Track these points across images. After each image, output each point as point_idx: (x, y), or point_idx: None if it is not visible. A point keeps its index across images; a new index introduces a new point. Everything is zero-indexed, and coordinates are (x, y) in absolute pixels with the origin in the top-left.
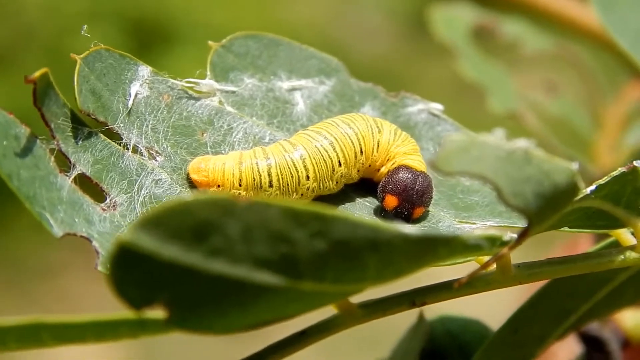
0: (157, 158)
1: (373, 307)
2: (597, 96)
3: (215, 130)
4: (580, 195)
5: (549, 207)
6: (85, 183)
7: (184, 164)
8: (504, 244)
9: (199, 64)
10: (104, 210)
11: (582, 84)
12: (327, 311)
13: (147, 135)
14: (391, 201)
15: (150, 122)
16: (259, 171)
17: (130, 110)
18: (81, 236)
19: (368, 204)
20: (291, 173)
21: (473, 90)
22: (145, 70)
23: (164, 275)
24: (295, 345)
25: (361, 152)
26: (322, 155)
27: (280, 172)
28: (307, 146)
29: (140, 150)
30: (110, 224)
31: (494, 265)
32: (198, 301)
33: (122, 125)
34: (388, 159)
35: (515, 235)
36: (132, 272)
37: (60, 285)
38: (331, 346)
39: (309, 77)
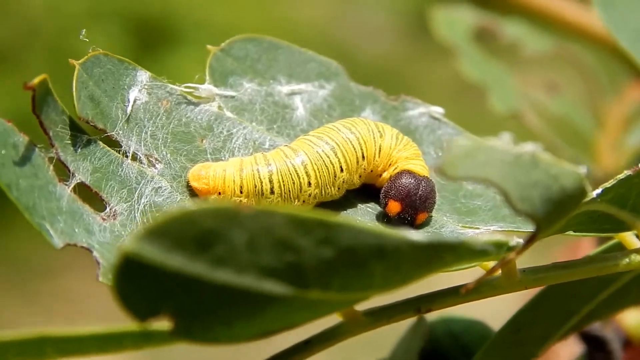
0: (157, 165)
1: (378, 315)
2: (598, 96)
3: (215, 136)
4: (587, 199)
5: (556, 212)
6: (84, 192)
7: (184, 172)
8: (510, 249)
9: (202, 64)
10: (104, 219)
11: (583, 84)
12: (332, 319)
13: (147, 142)
14: (394, 207)
15: (150, 128)
16: (260, 178)
17: (129, 116)
18: (81, 247)
19: (370, 210)
20: (293, 179)
21: (475, 89)
22: (143, 75)
23: (168, 286)
24: (300, 354)
25: (363, 157)
26: (323, 161)
27: (282, 178)
28: (308, 152)
29: (140, 157)
30: (111, 233)
31: (499, 271)
32: (203, 311)
33: (121, 132)
34: (390, 164)
35: (521, 240)
36: (137, 283)
37: (61, 285)
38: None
39: (308, 81)
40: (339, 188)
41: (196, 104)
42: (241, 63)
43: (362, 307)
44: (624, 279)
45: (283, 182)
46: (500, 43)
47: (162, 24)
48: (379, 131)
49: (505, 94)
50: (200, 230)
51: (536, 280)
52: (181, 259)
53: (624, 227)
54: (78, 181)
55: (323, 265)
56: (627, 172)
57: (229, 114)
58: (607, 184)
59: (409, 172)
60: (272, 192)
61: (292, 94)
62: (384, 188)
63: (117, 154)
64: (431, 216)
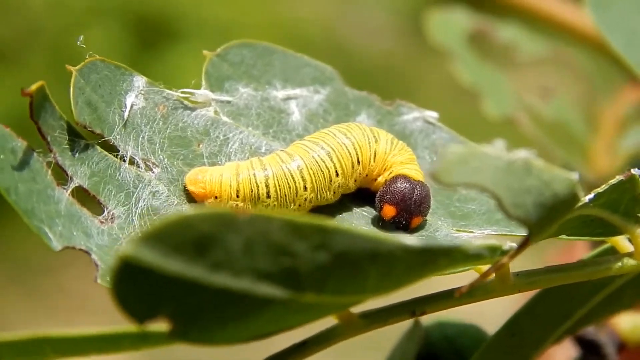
0: (154, 170)
1: (373, 317)
2: (592, 99)
3: (212, 140)
4: (579, 204)
5: (549, 217)
6: (82, 196)
7: (181, 176)
8: (503, 253)
9: (204, 60)
10: (102, 222)
11: (577, 87)
12: (328, 321)
13: (144, 146)
14: (389, 211)
15: (147, 133)
16: (256, 182)
17: (126, 121)
18: (80, 249)
19: (365, 214)
20: (289, 184)
21: (475, 89)
22: (140, 80)
23: (166, 289)
24: (295, 355)
25: (358, 162)
26: (319, 166)
27: (278, 183)
28: (304, 157)
29: (137, 162)
30: (109, 236)
31: (493, 274)
32: (200, 314)
33: (118, 137)
34: (385, 169)
35: (514, 245)
36: (135, 286)
37: (63, 282)
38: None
39: (303, 85)
40: (334, 192)
41: (193, 109)
42: (237, 68)
43: (357, 309)
44: (617, 282)
45: (279, 186)
46: (495, 45)
47: (163, 21)
48: (374, 136)
49: (499, 99)
50: (198, 234)
51: (529, 284)
52: (179, 263)
53: (616, 231)
54: (76, 185)
55: (318, 270)
56: (619, 177)
57: (225, 118)
58: (600, 189)
59: (404, 177)
60: (268, 196)
61: (288, 98)
62: (379, 192)
63: (114, 159)
64: (426, 220)
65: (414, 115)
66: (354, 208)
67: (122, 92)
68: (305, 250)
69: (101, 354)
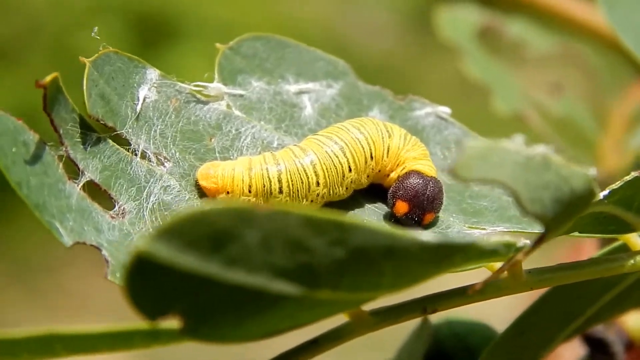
0: (166, 164)
1: (384, 315)
2: (601, 96)
3: (224, 135)
4: (595, 201)
5: (566, 213)
6: (93, 190)
7: (193, 170)
8: (518, 250)
9: (205, 59)
10: (113, 218)
11: (586, 84)
12: (339, 319)
13: (156, 140)
14: (402, 207)
15: (159, 127)
16: (269, 177)
17: (138, 115)
18: (91, 245)
19: (377, 210)
20: (301, 179)
21: (478, 87)
22: (153, 73)
23: (180, 286)
24: (306, 353)
25: (371, 157)
26: (332, 161)
27: (291, 178)
28: (317, 151)
29: (149, 156)
30: (120, 232)
31: (505, 272)
32: (213, 311)
33: (130, 130)
34: (398, 164)
35: (528, 242)
36: (148, 282)
37: (65, 280)
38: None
39: (316, 80)
40: (347, 188)
41: (205, 103)
42: (250, 61)
43: (368, 307)
44: (627, 281)
45: (292, 181)
46: (504, 42)
47: (164, 20)
48: (388, 131)
49: (508, 95)
50: (215, 230)
51: (542, 281)
52: (194, 259)
53: (629, 228)
54: (87, 179)
55: (334, 266)
56: (634, 174)
57: (237, 112)
58: (614, 186)
59: (417, 173)
60: (280, 191)
61: (300, 92)
62: (391, 188)
63: (126, 152)
64: (438, 217)
65: (426, 111)
66: (366, 204)
67: (135, 85)
68: (321, 245)
69: (112, 351)
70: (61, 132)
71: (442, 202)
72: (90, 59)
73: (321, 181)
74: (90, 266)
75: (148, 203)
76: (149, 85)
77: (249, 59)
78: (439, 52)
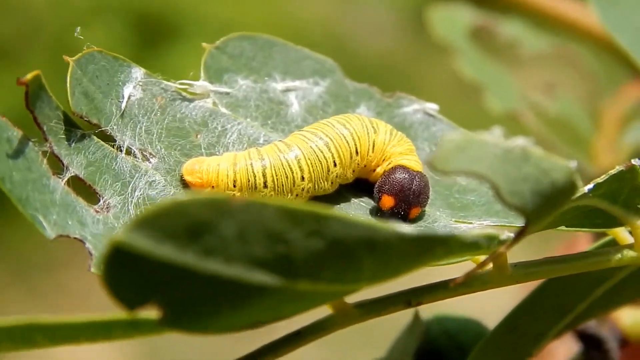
0: (151, 160)
1: (368, 307)
2: (596, 96)
3: (210, 131)
4: (578, 194)
5: (546, 206)
6: (78, 185)
7: (178, 166)
8: (501, 242)
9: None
10: (97, 212)
11: (581, 83)
12: (323, 311)
13: (141, 137)
14: (387, 201)
15: (144, 124)
16: (253, 172)
17: (123, 112)
18: (74, 238)
19: (364, 204)
20: (286, 174)
21: (478, 86)
22: (138, 72)
23: (158, 276)
24: (289, 345)
25: (357, 152)
26: (317, 156)
27: (275, 173)
28: (302, 147)
29: (134, 152)
30: (104, 225)
31: (491, 265)
32: (192, 301)
33: (115, 127)
34: (384, 159)
35: (512, 235)
36: (126, 272)
37: (64, 279)
38: (333, 342)
39: (303, 78)
40: (332, 182)
41: (191, 100)
42: (236, 60)
43: (352, 299)
44: (618, 276)
45: (276, 176)
46: (498, 42)
47: (165, 19)
48: (373, 127)
49: (503, 95)
50: (191, 220)
51: (527, 275)
52: (171, 249)
53: (616, 222)
54: (72, 174)
55: (312, 257)
56: (619, 168)
57: (223, 110)
58: (599, 179)
59: (403, 167)
60: (265, 186)
61: (287, 90)
62: (377, 183)
63: (111, 149)
64: (424, 211)
65: (414, 108)
66: (352, 198)
67: (120, 83)
68: (299, 237)
69: (93, 341)
70: (45, 128)
71: (428, 197)
72: (73, 58)
73: (306, 176)
74: None
75: (133, 197)
76: (134, 84)
77: (236, 58)
78: (439, 51)
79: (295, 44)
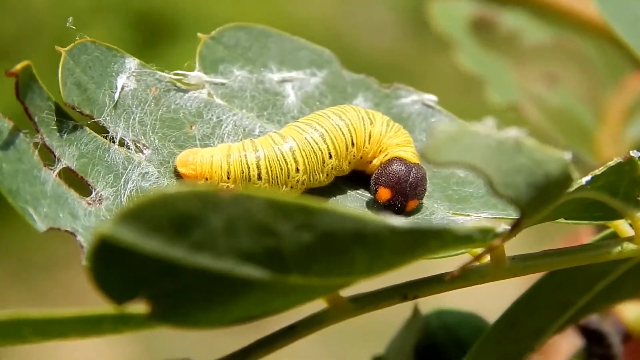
0: (144, 151)
1: (364, 301)
2: (598, 88)
3: (204, 122)
4: (576, 186)
5: (541, 198)
6: (70, 177)
7: (172, 157)
8: (496, 235)
9: None
10: (89, 204)
11: (582, 75)
12: (318, 305)
13: (134, 128)
14: (384, 194)
15: (138, 115)
16: (247, 164)
17: (116, 103)
18: (65, 231)
19: (360, 197)
20: (280, 165)
21: (478, 85)
22: (132, 62)
23: (145, 269)
24: (284, 339)
25: (352, 144)
26: (312, 147)
27: (269, 164)
28: (296, 138)
29: (127, 143)
30: (96, 218)
31: (488, 258)
32: (181, 295)
33: (108, 118)
34: (380, 151)
35: (508, 227)
36: (113, 266)
37: (65, 279)
38: (330, 338)
39: (300, 68)
40: (327, 174)
41: (185, 91)
42: (232, 51)
43: (347, 293)
44: (620, 270)
45: (270, 168)
46: (499, 33)
47: (165, 19)
48: (369, 118)
49: (503, 87)
50: (177, 213)
51: (525, 268)
52: (157, 242)
53: (616, 215)
54: (64, 166)
55: (302, 250)
56: (617, 159)
57: (218, 100)
58: (597, 171)
59: (400, 159)
60: (259, 178)
61: (284, 81)
62: (374, 175)
63: (104, 140)
64: (422, 203)
65: (412, 99)
66: (348, 191)
67: (113, 74)
68: (288, 230)
69: (81, 336)
70: (36, 119)
71: (425, 189)
72: (66, 48)
73: (301, 168)
74: None
75: (126, 190)
76: (128, 74)
77: (231, 48)
78: (439, 51)
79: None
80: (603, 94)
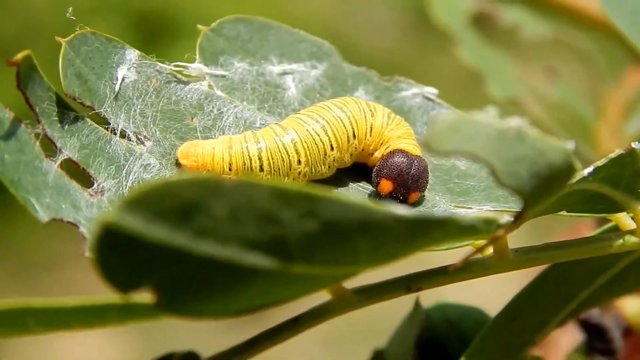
0: (146, 143)
1: (367, 293)
2: (598, 82)
3: (205, 114)
4: (577, 178)
5: (544, 188)
6: (72, 168)
7: (173, 149)
8: (500, 226)
9: None
10: (91, 195)
11: (583, 70)
12: (321, 297)
13: (135, 119)
14: (386, 186)
15: (139, 106)
16: (249, 155)
17: (117, 94)
18: (68, 222)
19: (362, 189)
20: (282, 157)
21: (479, 83)
22: (132, 54)
23: (150, 257)
24: (288, 332)
25: (354, 135)
26: (313, 139)
27: (271, 156)
28: (298, 130)
29: (128, 135)
30: (98, 209)
31: (491, 250)
32: (186, 284)
33: (109, 109)
34: (382, 143)
35: (511, 218)
36: (117, 254)
37: (66, 277)
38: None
39: (300, 61)
40: (329, 166)
41: (186, 83)
42: (232, 43)
43: (351, 284)
44: (622, 263)
45: (272, 159)
46: (499, 28)
47: (165, 18)
48: (371, 110)
49: (503, 82)
50: (181, 201)
51: (528, 261)
52: (162, 230)
53: (618, 207)
54: (65, 157)
55: (306, 239)
56: (619, 151)
57: (219, 93)
58: (599, 163)
59: (402, 151)
60: (261, 169)
61: (284, 73)
62: (376, 167)
63: (105, 131)
64: (424, 196)
65: (413, 92)
66: (350, 183)
67: (114, 65)
68: (292, 218)
69: (86, 327)
70: (37, 110)
71: (427, 181)
72: (66, 39)
73: (302, 159)
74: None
75: (127, 181)
76: (128, 66)
77: (231, 40)
78: (439, 50)
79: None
80: (603, 88)
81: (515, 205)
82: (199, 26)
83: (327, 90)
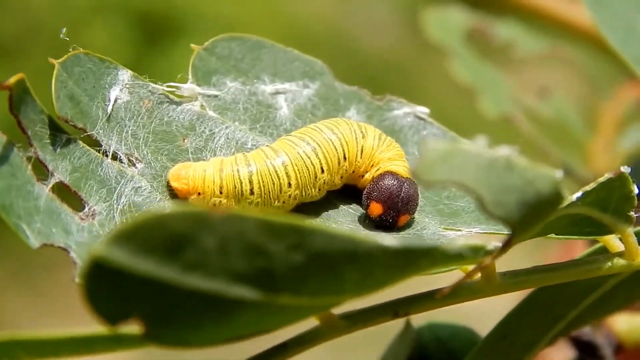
0: (137, 165)
1: (355, 318)
2: (591, 97)
3: (197, 135)
4: (566, 202)
5: (532, 216)
6: (63, 191)
7: (165, 171)
8: (487, 253)
9: None
10: (82, 219)
11: (576, 85)
12: (310, 322)
13: (127, 141)
14: (376, 209)
15: (131, 128)
16: (240, 178)
17: (109, 115)
18: (59, 247)
19: (352, 211)
20: (273, 180)
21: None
22: (125, 74)
23: (138, 290)
24: (275, 358)
25: (344, 158)
26: (304, 162)
27: (262, 179)
28: (289, 152)
29: (120, 157)
30: (89, 233)
31: (479, 274)
32: (174, 316)
33: (101, 131)
34: (372, 165)
35: (499, 244)
36: (106, 286)
37: (65, 278)
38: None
39: (292, 80)
40: (319, 189)
41: (178, 104)
42: (225, 62)
43: (339, 310)
44: (610, 283)
45: (263, 182)
46: (493, 43)
47: (167, 18)
48: (362, 132)
49: (497, 97)
50: (170, 234)
51: (516, 284)
52: (150, 263)
53: (606, 230)
54: (57, 180)
55: (294, 271)
56: (608, 175)
57: (211, 113)
58: (588, 187)
59: (392, 174)
60: (252, 192)
61: (276, 93)
62: (366, 189)
63: (97, 154)
64: (413, 218)
65: (404, 111)
66: (340, 205)
67: (106, 86)
68: (280, 250)
69: (75, 356)
70: (29, 133)
71: (417, 204)
72: (59, 60)
73: (293, 182)
74: None
75: (119, 204)
76: (121, 86)
77: (224, 59)
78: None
79: (296, 47)
80: (596, 103)
81: (504, 228)
82: (192, 45)
83: (319, 109)
